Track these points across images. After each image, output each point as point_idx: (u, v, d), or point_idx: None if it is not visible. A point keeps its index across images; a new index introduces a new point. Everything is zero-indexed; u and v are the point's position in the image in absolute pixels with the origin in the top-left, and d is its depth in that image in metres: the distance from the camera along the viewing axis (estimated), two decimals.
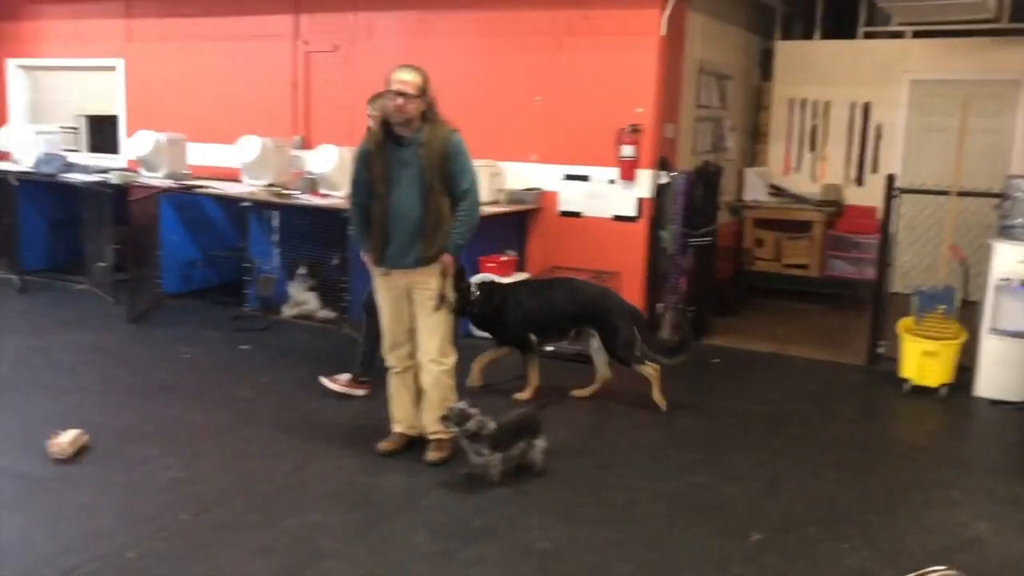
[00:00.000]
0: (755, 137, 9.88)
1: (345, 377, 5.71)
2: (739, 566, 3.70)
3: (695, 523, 4.09)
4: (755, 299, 8.86)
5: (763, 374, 6.72)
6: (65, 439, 4.59)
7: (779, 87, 9.62)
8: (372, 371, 5.46)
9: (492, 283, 6.02)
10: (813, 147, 9.54)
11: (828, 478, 4.66)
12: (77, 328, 7.16)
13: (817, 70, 9.43)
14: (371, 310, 5.08)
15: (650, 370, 5.64)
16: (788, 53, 9.59)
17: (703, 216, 7.45)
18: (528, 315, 5.80)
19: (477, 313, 5.75)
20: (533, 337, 5.85)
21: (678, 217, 7.30)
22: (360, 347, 5.66)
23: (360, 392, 5.61)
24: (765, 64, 9.78)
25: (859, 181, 9.36)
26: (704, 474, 4.67)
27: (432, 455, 4.64)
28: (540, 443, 4.58)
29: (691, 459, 4.88)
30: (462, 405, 4.41)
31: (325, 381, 5.72)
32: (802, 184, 9.50)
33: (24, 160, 9.30)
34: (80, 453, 4.60)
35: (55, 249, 9.10)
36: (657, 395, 5.59)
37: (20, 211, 8.73)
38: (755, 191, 9.34)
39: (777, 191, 9.43)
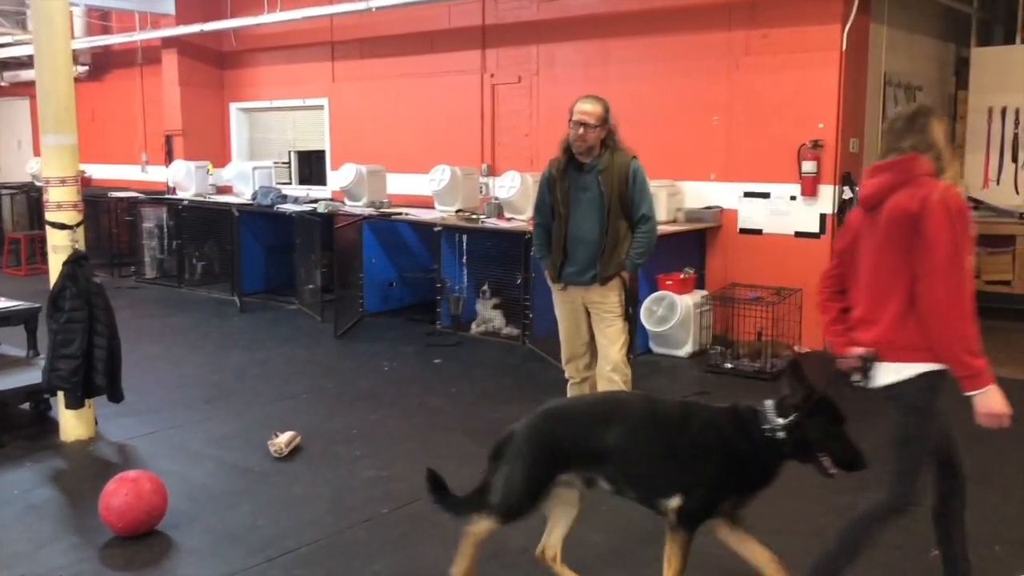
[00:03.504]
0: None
1: None
2: None
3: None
4: None
5: (954, 394, 6.43)
6: (282, 440, 5.15)
7: (976, 96, 9.18)
8: None
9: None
10: (1015, 158, 9.03)
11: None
12: (290, 343, 7.90)
13: (1020, 76, 8.94)
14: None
15: None
16: (986, 60, 9.14)
17: None
18: None
19: None
20: None
21: None
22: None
23: None
24: (960, 73, 9.38)
25: None
26: None
27: None
28: None
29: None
30: None
31: None
32: (1002, 196, 9.01)
33: (244, 193, 10.33)
34: (294, 452, 5.14)
35: (270, 273, 10.05)
36: None
37: (241, 239, 9.72)
38: None
39: (975, 204, 8.98)
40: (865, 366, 3.12)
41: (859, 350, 3.13)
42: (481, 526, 3.38)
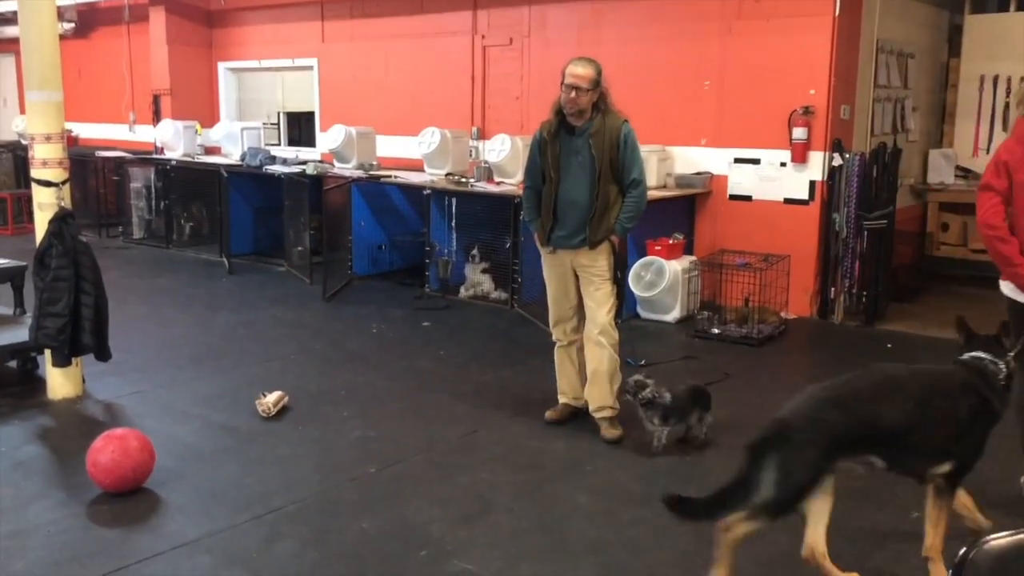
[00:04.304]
0: (941, 117, 9.45)
1: None
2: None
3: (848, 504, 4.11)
4: (937, 285, 8.51)
5: (937, 360, 6.49)
6: (270, 400, 5.16)
7: (968, 64, 9.14)
8: None
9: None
10: (1006, 127, 9.02)
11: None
12: (278, 305, 7.88)
13: (1013, 45, 8.90)
14: None
15: None
16: (979, 27, 9.10)
17: (879, 199, 7.28)
18: None
19: None
20: None
21: (852, 200, 7.18)
22: None
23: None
24: (954, 40, 9.33)
25: None
26: None
27: (609, 433, 4.81)
28: (709, 418, 4.72)
29: None
30: (639, 376, 4.60)
31: None
32: None
33: (232, 154, 10.25)
34: (282, 412, 5.15)
35: (259, 234, 10.01)
36: None
37: (230, 200, 9.66)
38: (940, 173, 8.95)
39: (965, 173, 9.00)
40: None
41: None
42: (743, 528, 3.10)
